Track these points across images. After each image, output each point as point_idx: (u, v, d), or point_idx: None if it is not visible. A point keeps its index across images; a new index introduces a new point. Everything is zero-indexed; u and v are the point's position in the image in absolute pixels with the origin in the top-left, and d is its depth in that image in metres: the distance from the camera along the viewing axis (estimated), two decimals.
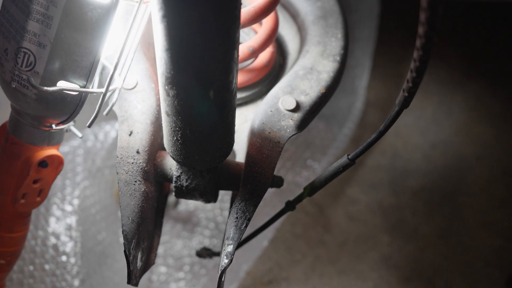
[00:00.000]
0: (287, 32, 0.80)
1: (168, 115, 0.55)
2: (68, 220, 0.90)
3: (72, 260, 0.87)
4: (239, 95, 0.73)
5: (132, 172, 0.61)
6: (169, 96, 0.52)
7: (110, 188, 1.05)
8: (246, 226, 0.57)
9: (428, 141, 1.34)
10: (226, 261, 0.56)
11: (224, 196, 1.20)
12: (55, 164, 0.65)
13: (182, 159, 0.59)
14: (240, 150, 0.70)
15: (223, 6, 0.44)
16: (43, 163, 0.64)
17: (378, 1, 1.47)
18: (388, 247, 1.17)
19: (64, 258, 0.87)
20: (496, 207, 1.26)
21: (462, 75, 1.48)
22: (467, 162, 1.32)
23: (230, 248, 0.56)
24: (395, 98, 1.46)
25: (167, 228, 1.11)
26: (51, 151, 0.64)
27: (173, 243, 1.11)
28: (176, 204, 1.12)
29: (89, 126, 0.59)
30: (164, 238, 1.10)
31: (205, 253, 0.78)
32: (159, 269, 1.06)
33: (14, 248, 0.71)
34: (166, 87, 0.51)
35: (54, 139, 0.64)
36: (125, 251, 0.56)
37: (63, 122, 0.61)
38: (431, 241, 1.19)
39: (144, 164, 0.62)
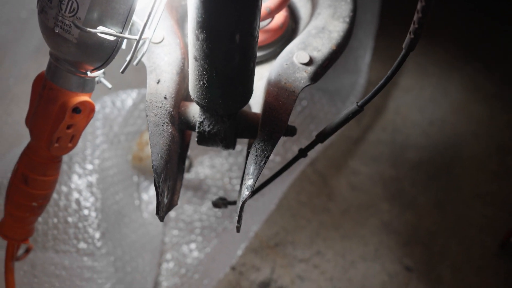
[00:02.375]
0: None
1: (196, 59, 0.61)
2: (90, 178, 0.96)
3: (93, 214, 0.93)
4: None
5: (160, 115, 0.66)
6: (199, 40, 0.58)
7: (126, 154, 1.11)
8: (265, 163, 0.63)
9: (426, 118, 1.41)
10: (247, 193, 0.61)
11: (233, 166, 1.26)
12: (87, 111, 0.70)
13: (207, 103, 0.65)
14: (255, 104, 0.76)
15: None
16: (76, 109, 0.69)
17: None
18: (388, 214, 1.24)
19: (86, 211, 0.93)
20: (489, 180, 1.32)
21: (458, 58, 1.55)
22: (462, 138, 1.39)
23: (250, 182, 0.62)
24: (395, 78, 1.54)
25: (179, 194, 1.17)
26: (84, 98, 0.69)
27: (185, 209, 1.17)
28: (188, 168, 1.18)
29: (122, 72, 0.64)
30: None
31: (221, 202, 0.83)
32: (171, 232, 1.12)
33: (46, 191, 0.76)
34: (196, 31, 0.57)
35: (88, 86, 0.69)
36: (155, 183, 0.62)
37: (97, 68, 0.66)
38: (428, 209, 1.26)
39: (171, 109, 0.68)
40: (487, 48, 1.60)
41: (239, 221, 0.63)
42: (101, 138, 1.02)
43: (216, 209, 1.18)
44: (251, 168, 0.63)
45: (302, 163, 1.16)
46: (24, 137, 1.24)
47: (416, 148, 1.35)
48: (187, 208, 1.16)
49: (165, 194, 0.66)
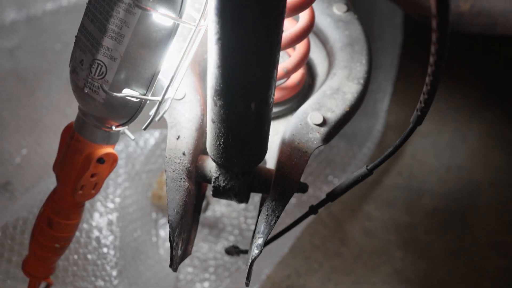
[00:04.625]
0: (317, 56, 0.89)
1: (213, 122, 0.64)
2: (110, 216, 1.00)
3: (112, 252, 0.97)
4: (273, 110, 0.83)
5: (178, 170, 0.70)
6: (216, 106, 0.61)
7: (146, 191, 1.15)
8: (275, 223, 0.66)
9: (444, 165, 1.42)
10: (257, 251, 0.64)
11: (249, 206, 1.29)
12: (110, 161, 0.75)
13: (222, 162, 0.69)
14: (270, 159, 0.79)
15: (269, 33, 0.54)
16: (101, 160, 0.73)
17: (401, 31, 1.56)
18: (401, 262, 1.24)
19: (105, 250, 0.97)
20: (506, 230, 1.32)
21: (477, 103, 1.55)
22: (480, 186, 1.38)
23: (260, 241, 0.65)
24: None
25: None
26: (108, 150, 0.73)
27: (200, 246, 1.20)
28: (205, 209, 1.22)
29: (145, 129, 0.69)
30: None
31: (233, 250, 0.86)
32: (186, 269, 1.15)
33: (68, 234, 0.80)
34: (215, 98, 0.61)
35: (112, 139, 0.73)
36: (170, 238, 0.65)
37: (122, 125, 0.70)
38: (441, 258, 1.26)
39: (189, 165, 0.71)
40: (507, 94, 1.60)
41: (248, 278, 0.65)
42: (123, 176, 1.06)
43: None
44: (261, 227, 0.66)
45: None
46: (51, 167, 1.29)
47: (431, 194, 1.36)
48: (202, 245, 1.19)
49: (179, 246, 0.69)
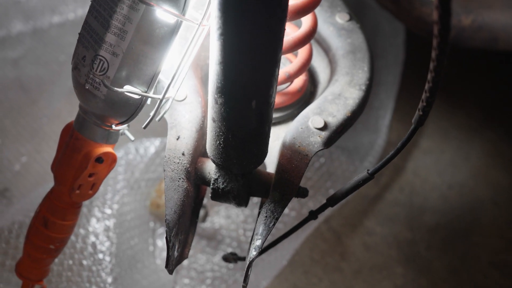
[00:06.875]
0: (319, 64, 0.89)
1: (214, 121, 0.64)
2: (107, 222, 0.99)
3: (107, 258, 0.95)
4: (274, 115, 0.82)
5: (177, 170, 0.69)
6: (217, 104, 0.61)
7: (144, 200, 1.14)
8: (273, 225, 0.65)
9: (445, 182, 1.40)
10: (255, 253, 0.63)
11: (248, 218, 1.27)
12: (109, 161, 0.74)
13: (222, 162, 0.68)
14: (270, 164, 0.79)
15: (272, 31, 0.54)
16: (99, 159, 0.73)
17: (403, 50, 1.58)
18: (402, 278, 1.22)
19: (101, 255, 0.95)
20: (509, 249, 1.30)
21: (480, 122, 1.55)
22: (482, 204, 1.37)
23: (258, 242, 0.64)
24: (415, 139, 1.55)
25: (193, 243, 1.18)
26: (107, 149, 0.73)
27: (197, 258, 1.18)
28: (204, 219, 1.20)
29: (145, 128, 0.68)
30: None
31: (231, 257, 0.84)
32: (182, 281, 1.13)
33: (64, 235, 0.79)
34: (216, 96, 0.61)
35: (112, 139, 0.73)
36: (166, 238, 0.64)
37: (122, 123, 0.70)
38: (443, 275, 1.24)
39: (188, 165, 0.71)
40: (509, 113, 1.60)
41: (245, 280, 0.64)
42: (122, 183, 1.06)
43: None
44: (260, 229, 0.65)
45: (317, 220, 1.17)
46: (50, 175, 1.28)
47: (433, 211, 1.34)
48: (200, 257, 1.17)
49: (176, 247, 0.68)
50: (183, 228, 0.70)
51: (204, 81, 0.85)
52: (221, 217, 1.24)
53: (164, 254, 1.14)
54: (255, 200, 1.30)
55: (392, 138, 1.49)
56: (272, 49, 0.56)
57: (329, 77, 0.84)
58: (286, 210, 1.24)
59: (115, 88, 0.63)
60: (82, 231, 0.98)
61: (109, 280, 0.94)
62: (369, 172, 0.68)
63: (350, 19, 0.86)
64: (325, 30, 0.86)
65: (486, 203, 1.37)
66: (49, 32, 1.70)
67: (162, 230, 1.17)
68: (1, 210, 1.19)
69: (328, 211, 1.22)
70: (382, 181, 1.40)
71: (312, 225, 1.15)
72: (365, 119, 1.42)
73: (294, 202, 1.24)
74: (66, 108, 1.50)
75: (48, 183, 1.14)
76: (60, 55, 1.63)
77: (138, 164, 1.11)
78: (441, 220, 1.33)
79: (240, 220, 1.24)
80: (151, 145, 1.14)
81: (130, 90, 0.64)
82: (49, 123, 1.50)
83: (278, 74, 0.60)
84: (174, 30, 0.63)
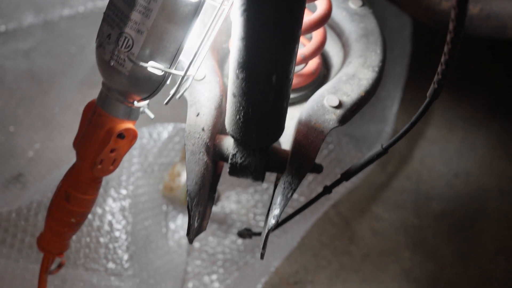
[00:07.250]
0: (332, 48, 0.92)
1: (234, 96, 0.66)
2: (123, 202, 1.02)
3: (124, 236, 0.98)
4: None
5: (197, 144, 0.72)
6: (238, 79, 0.64)
7: (157, 184, 1.16)
8: (291, 195, 0.67)
9: (451, 170, 1.43)
10: (273, 221, 0.65)
11: (258, 203, 1.30)
12: (130, 137, 0.76)
13: (241, 137, 0.70)
14: (286, 142, 0.81)
15: (293, 8, 0.56)
16: (121, 135, 0.75)
17: (409, 42, 1.60)
18: (409, 262, 1.24)
19: (117, 233, 0.98)
20: None
21: (485, 114, 1.57)
22: (487, 192, 1.39)
23: (277, 211, 0.66)
24: (421, 129, 1.58)
25: None
26: (129, 125, 0.75)
27: (208, 241, 1.20)
28: (216, 201, 1.23)
29: (166, 104, 0.71)
30: (200, 235, 1.20)
31: (246, 233, 0.87)
32: (194, 262, 1.16)
33: (84, 209, 0.81)
34: (237, 71, 0.63)
35: (133, 115, 0.75)
36: (188, 207, 0.67)
37: (144, 99, 0.73)
38: (450, 261, 1.26)
39: (207, 140, 0.73)
40: None
41: (263, 247, 0.66)
42: (136, 166, 1.08)
43: (239, 243, 1.21)
44: (278, 199, 0.67)
45: (325, 204, 1.19)
46: (63, 162, 1.31)
47: (440, 198, 1.37)
48: (211, 240, 1.20)
49: (196, 218, 0.70)
50: (203, 199, 0.72)
51: (220, 64, 0.88)
52: (231, 202, 1.26)
53: (177, 236, 1.17)
54: (264, 186, 1.32)
55: (399, 128, 1.51)
56: (293, 25, 0.58)
57: (343, 61, 0.87)
58: (295, 195, 1.27)
59: (141, 63, 0.65)
60: (99, 210, 1.01)
61: (125, 257, 0.96)
62: (383, 146, 0.70)
63: (363, 5, 0.89)
64: (339, 15, 0.89)
65: (492, 191, 1.40)
66: (60, 25, 1.72)
67: (175, 213, 1.19)
68: (16, 195, 1.22)
69: (337, 194, 1.24)
70: (389, 169, 1.42)
71: (321, 209, 1.18)
72: (372, 109, 1.44)
73: (304, 187, 1.27)
74: (77, 98, 1.52)
75: (60, 169, 1.17)
76: (71, 47, 1.66)
77: (151, 149, 1.13)
78: (448, 207, 1.35)
79: (250, 205, 1.27)
80: (164, 130, 1.16)
81: (154, 65, 0.67)
82: (61, 112, 1.52)
83: (297, 50, 0.62)
84: (197, 8, 0.66)
